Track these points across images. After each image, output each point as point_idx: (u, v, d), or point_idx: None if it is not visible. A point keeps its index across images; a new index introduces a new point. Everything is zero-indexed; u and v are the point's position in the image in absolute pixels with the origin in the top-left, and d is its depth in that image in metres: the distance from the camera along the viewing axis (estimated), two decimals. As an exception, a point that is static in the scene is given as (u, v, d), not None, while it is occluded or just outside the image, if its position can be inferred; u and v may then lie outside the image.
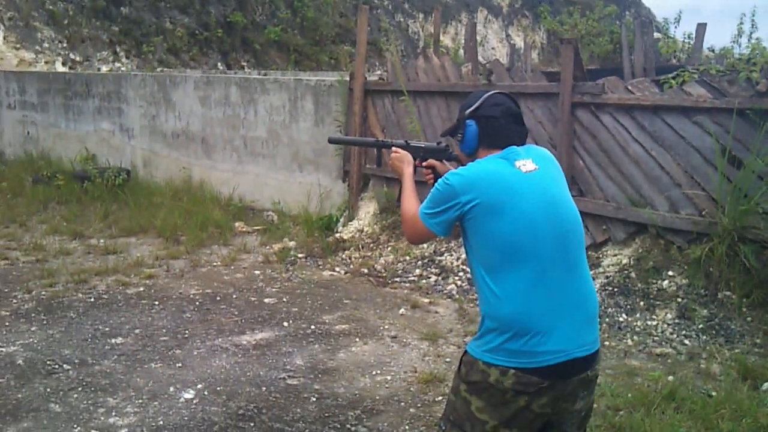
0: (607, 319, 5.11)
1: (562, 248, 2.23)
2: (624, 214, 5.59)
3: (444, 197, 2.28)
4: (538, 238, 2.19)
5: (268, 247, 7.18)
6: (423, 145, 2.85)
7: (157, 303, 5.54)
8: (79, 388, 4.07)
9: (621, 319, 5.11)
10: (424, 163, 2.77)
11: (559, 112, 5.96)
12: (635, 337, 4.91)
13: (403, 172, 2.69)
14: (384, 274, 6.39)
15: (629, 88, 5.70)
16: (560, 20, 25.76)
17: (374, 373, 4.39)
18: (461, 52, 19.85)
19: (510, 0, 28.13)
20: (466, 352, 2.32)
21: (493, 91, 2.45)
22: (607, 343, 4.83)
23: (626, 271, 5.42)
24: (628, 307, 5.19)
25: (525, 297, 2.17)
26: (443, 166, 2.74)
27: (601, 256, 5.68)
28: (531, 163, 2.30)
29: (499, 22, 27.58)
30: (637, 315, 5.11)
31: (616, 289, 5.34)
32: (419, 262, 6.48)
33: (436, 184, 2.35)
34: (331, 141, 3.58)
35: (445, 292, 5.95)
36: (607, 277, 5.47)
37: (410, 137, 6.95)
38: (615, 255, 5.62)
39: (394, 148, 2.83)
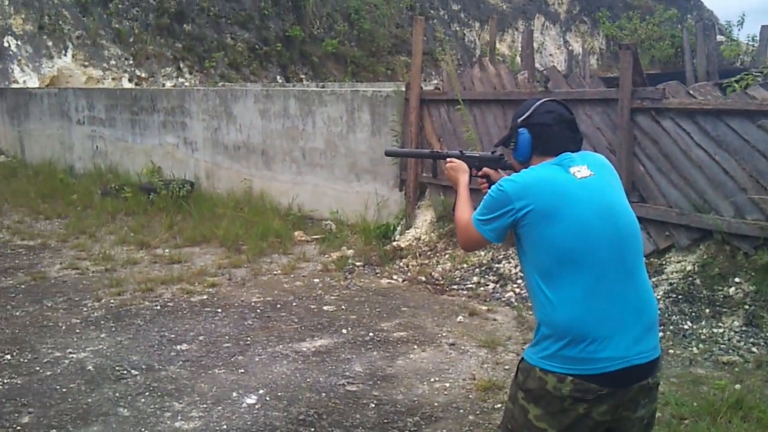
0: (671, 327, 5.01)
1: (619, 254, 2.21)
2: (688, 220, 5.47)
3: (497, 203, 2.29)
4: (593, 245, 2.18)
5: (326, 256, 7.28)
6: (477, 155, 2.87)
7: (219, 310, 5.68)
8: (147, 393, 4.20)
9: (686, 327, 5.00)
10: (479, 173, 2.78)
11: (618, 118, 5.88)
12: (701, 345, 4.79)
13: (458, 181, 2.71)
14: (441, 282, 6.41)
15: (691, 92, 5.59)
16: (619, 25, 25.37)
17: (433, 380, 4.41)
18: (518, 59, 19.72)
19: (568, 6, 27.83)
20: (522, 359, 2.31)
21: (544, 99, 2.45)
22: (671, 351, 4.74)
23: (691, 278, 5.30)
24: (693, 314, 5.07)
25: (582, 303, 2.16)
26: (498, 175, 2.74)
27: (664, 262, 5.57)
28: (586, 169, 2.29)
29: (556, 28, 27.32)
30: (703, 322, 4.99)
31: (680, 296, 5.23)
32: (477, 270, 6.47)
33: (489, 191, 2.36)
34: (387, 154, 3.62)
35: (503, 299, 5.93)
36: (670, 284, 5.36)
37: (466, 146, 6.96)
38: (679, 261, 5.50)
39: (449, 158, 2.85)
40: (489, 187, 2.67)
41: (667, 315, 5.09)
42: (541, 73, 7.41)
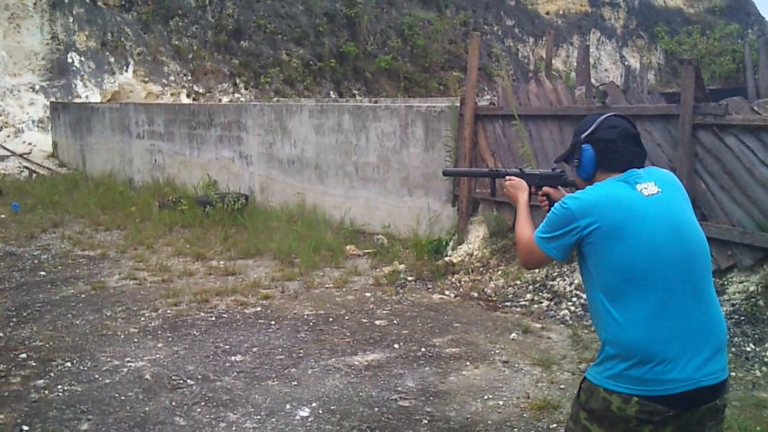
0: (733, 349, 4.85)
1: (688, 273, 2.16)
2: (751, 239, 5.30)
3: (562, 221, 2.26)
4: (661, 263, 2.14)
5: (378, 270, 7.29)
6: (538, 172, 2.82)
7: (273, 323, 5.73)
8: (202, 403, 4.25)
9: (748, 349, 4.84)
10: (539, 192, 2.74)
11: (679, 134, 5.76)
12: (764, 368, 4.62)
13: (518, 199, 2.68)
14: (494, 298, 6.34)
15: (755, 108, 5.44)
16: (678, 40, 24.92)
17: (486, 397, 4.36)
18: (573, 75, 19.53)
19: (624, 21, 27.48)
20: (585, 378, 2.27)
21: (607, 114, 2.40)
22: (733, 373, 4.58)
23: (754, 299, 5.13)
24: (756, 336, 4.90)
25: (649, 323, 2.11)
26: (558, 193, 2.70)
27: (726, 282, 5.41)
28: (653, 185, 2.24)
29: (612, 43, 26.98)
30: (766, 345, 4.81)
31: (742, 318, 5.06)
32: (530, 287, 6.39)
33: (552, 209, 2.32)
34: (445, 174, 3.59)
35: (557, 317, 5.83)
36: (733, 305, 5.20)
37: (521, 161, 6.91)
38: (741, 282, 5.33)
39: (508, 176, 2.81)
40: (549, 206, 2.64)
41: (729, 336, 4.93)
42: (598, 89, 7.31)
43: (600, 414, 2.16)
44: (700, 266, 2.21)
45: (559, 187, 2.75)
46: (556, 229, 2.27)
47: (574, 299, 5.99)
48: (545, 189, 2.74)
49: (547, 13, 26.21)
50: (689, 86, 5.69)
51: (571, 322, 5.69)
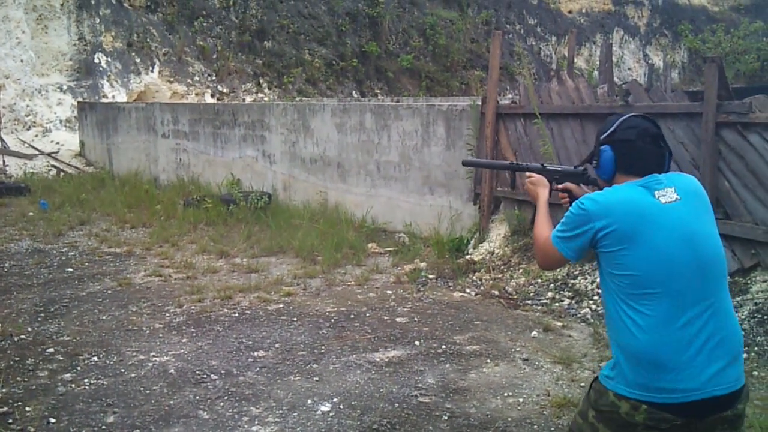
0: (756, 348, 4.82)
1: (701, 283, 2.14)
2: (775, 239, 5.26)
3: (578, 221, 2.25)
4: (673, 273, 2.12)
5: (399, 268, 7.32)
6: (560, 169, 2.79)
7: (295, 319, 5.78)
8: (225, 397, 4.31)
9: (772, 350, 4.80)
10: (560, 186, 2.72)
11: (702, 133, 5.72)
12: (788, 369, 4.59)
13: (538, 196, 2.65)
14: (515, 296, 6.35)
15: (779, 105, 5.39)
16: (702, 38, 24.64)
17: (506, 394, 4.37)
18: (595, 73, 19.40)
19: (648, 19, 27.23)
20: (597, 378, 2.27)
21: (629, 114, 2.37)
22: (755, 372, 4.55)
23: (778, 299, 5.09)
24: (780, 336, 4.86)
25: (661, 331, 2.10)
26: (580, 190, 2.67)
27: (749, 282, 5.37)
28: (673, 192, 2.21)
29: (635, 41, 26.75)
30: (791, 346, 4.77)
31: (765, 317, 5.02)
32: (551, 285, 6.38)
33: (570, 208, 2.31)
34: (465, 164, 3.60)
35: (578, 315, 5.83)
36: (756, 304, 5.16)
37: (543, 160, 6.90)
38: (765, 281, 5.29)
39: (529, 172, 2.79)
40: (570, 202, 2.62)
41: (751, 336, 4.90)
42: (620, 87, 7.28)
43: (608, 416, 2.16)
44: (714, 277, 2.18)
45: (582, 185, 2.72)
46: (573, 229, 2.26)
47: (596, 297, 5.98)
48: (567, 185, 2.71)
49: (570, 12, 26.06)
50: (712, 84, 5.66)
51: (592, 320, 5.68)
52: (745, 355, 4.55)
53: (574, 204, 2.30)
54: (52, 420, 3.99)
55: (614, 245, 2.17)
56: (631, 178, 2.27)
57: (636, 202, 2.18)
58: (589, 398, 2.26)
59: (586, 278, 6.25)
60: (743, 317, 5.05)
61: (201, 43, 17.95)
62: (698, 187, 2.32)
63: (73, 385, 4.46)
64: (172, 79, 17.29)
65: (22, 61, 15.30)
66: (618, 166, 2.31)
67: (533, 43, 24.52)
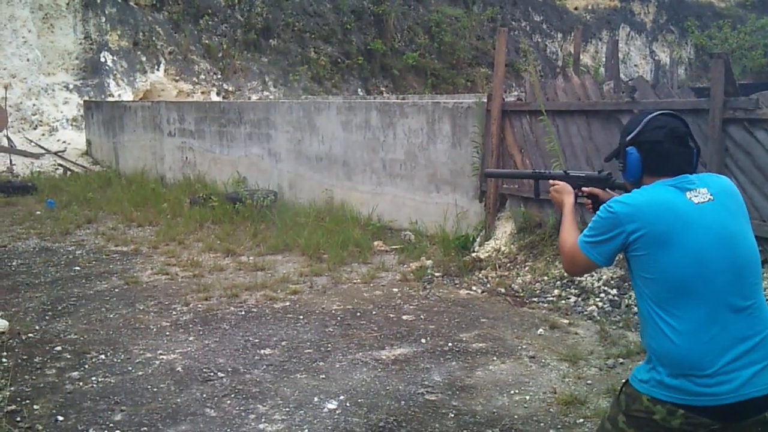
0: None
1: (737, 285, 2.10)
2: (782, 235, 5.24)
3: (607, 225, 2.18)
4: (709, 275, 2.07)
5: (405, 266, 7.32)
6: (584, 174, 2.75)
7: (301, 317, 5.79)
8: (232, 395, 4.33)
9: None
10: (585, 190, 2.66)
11: (709, 129, 5.71)
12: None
13: (564, 204, 2.57)
14: (521, 294, 6.34)
15: (787, 101, 5.37)
16: (709, 34, 24.55)
17: (512, 392, 4.37)
18: (602, 70, 19.36)
19: (654, 16, 27.14)
20: (629, 383, 2.21)
21: (656, 113, 2.28)
22: None
23: (785, 296, 5.07)
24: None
25: (698, 334, 2.06)
26: (606, 195, 2.61)
27: (756, 279, 5.34)
28: (706, 192, 2.16)
29: (642, 38, 26.67)
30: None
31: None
32: (558, 283, 6.38)
33: (598, 212, 2.24)
34: (487, 175, 3.51)
35: (585, 313, 5.82)
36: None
37: (548, 157, 6.89)
38: (772, 278, 5.27)
39: (552, 180, 2.73)
40: (596, 207, 2.55)
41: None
42: (627, 84, 7.26)
43: (641, 422, 2.12)
44: (750, 278, 2.13)
45: (607, 189, 2.66)
46: (602, 234, 2.19)
47: (602, 295, 5.97)
48: (593, 190, 2.65)
49: (576, 9, 25.99)
50: (719, 80, 5.64)
51: (598, 318, 5.68)
52: None
53: (601, 208, 2.23)
54: (60, 418, 4.01)
55: (646, 249, 2.11)
56: (660, 179, 2.21)
57: (668, 203, 2.12)
58: (620, 403, 2.20)
59: (592, 276, 6.24)
60: None
61: (206, 41, 17.97)
62: (732, 188, 2.27)
63: (80, 383, 4.48)
64: (177, 78, 17.32)
65: (28, 60, 15.36)
66: (645, 168, 2.23)
67: (539, 40, 24.46)
